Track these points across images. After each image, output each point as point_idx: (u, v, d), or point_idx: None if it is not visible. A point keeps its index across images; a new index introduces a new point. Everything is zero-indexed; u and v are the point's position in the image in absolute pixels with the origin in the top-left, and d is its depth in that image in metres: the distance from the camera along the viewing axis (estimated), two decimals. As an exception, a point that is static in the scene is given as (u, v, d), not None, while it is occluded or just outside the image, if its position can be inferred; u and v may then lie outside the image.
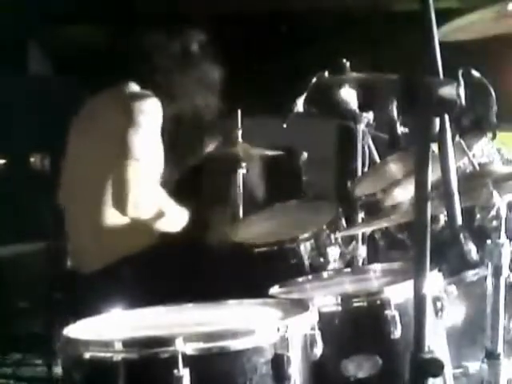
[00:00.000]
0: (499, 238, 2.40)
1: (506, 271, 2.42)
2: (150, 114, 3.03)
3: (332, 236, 3.09)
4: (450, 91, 1.59)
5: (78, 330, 2.07)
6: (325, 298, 2.33)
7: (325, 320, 2.11)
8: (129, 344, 1.89)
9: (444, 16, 2.08)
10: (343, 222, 3.15)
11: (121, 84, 3.17)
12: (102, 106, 3.17)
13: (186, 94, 3.26)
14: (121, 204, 2.88)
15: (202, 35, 3.35)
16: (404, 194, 3.06)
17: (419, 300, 1.62)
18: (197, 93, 3.28)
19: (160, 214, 2.99)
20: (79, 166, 3.16)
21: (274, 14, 5.34)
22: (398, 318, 2.23)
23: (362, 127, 3.78)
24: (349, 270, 2.90)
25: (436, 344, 2.33)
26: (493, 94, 2.75)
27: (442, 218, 2.82)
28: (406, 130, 3.68)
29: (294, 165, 3.70)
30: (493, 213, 2.40)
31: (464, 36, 2.61)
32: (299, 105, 3.76)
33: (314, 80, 3.71)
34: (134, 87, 3.17)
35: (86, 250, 3.10)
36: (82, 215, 3.11)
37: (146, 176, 2.95)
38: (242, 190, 3.82)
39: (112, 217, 3.00)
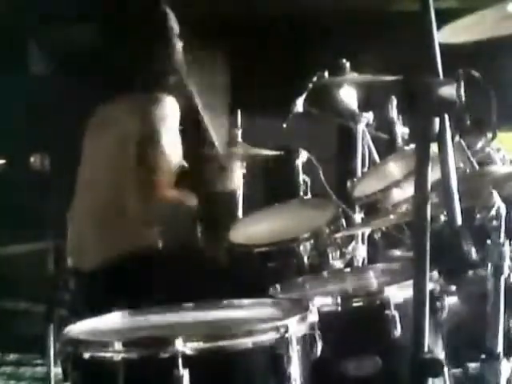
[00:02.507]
0: (499, 237, 2.40)
1: (506, 271, 2.41)
2: (168, 119, 3.04)
3: (332, 236, 3.09)
4: (449, 91, 1.59)
5: (77, 330, 2.07)
6: (325, 298, 2.33)
7: (325, 320, 2.11)
8: (129, 344, 1.89)
9: (444, 16, 2.08)
10: (343, 221, 3.15)
11: (137, 90, 3.16)
12: (118, 113, 3.16)
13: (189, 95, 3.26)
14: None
15: (202, 34, 3.35)
16: (404, 193, 3.06)
17: (419, 300, 1.62)
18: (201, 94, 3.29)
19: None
20: (91, 167, 3.17)
21: (274, 14, 5.34)
22: (397, 318, 2.23)
23: (361, 127, 3.78)
24: (349, 269, 2.91)
25: (436, 344, 2.33)
26: (493, 94, 2.74)
27: (442, 218, 2.82)
28: (406, 129, 3.70)
29: (294, 165, 3.70)
30: (493, 213, 2.40)
31: (464, 38, 2.61)
32: (299, 105, 3.76)
33: (314, 80, 3.72)
34: (153, 93, 3.15)
35: (88, 249, 3.10)
36: (87, 215, 3.11)
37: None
38: (241, 190, 3.81)
39: (115, 217, 3.01)
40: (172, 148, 3.06)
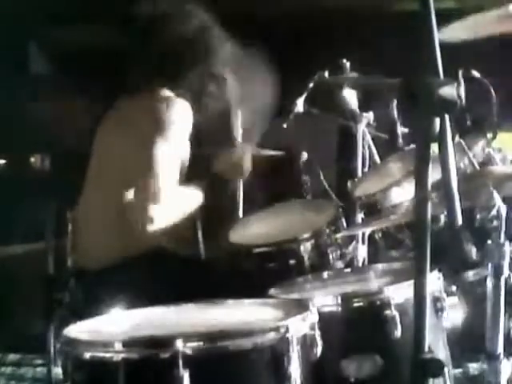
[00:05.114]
0: (499, 238, 2.41)
1: (506, 271, 2.42)
2: (181, 121, 3.02)
3: (332, 236, 3.09)
4: (450, 91, 1.59)
5: (78, 330, 2.07)
6: (325, 298, 2.33)
7: (325, 320, 2.11)
8: (129, 344, 1.89)
9: (444, 16, 2.08)
10: (343, 222, 3.15)
11: (153, 89, 3.14)
12: (131, 111, 3.14)
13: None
14: (139, 222, 2.89)
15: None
16: (404, 194, 3.06)
17: (419, 300, 1.62)
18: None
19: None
20: (104, 164, 3.15)
21: (275, 14, 5.34)
22: (398, 318, 2.23)
23: (362, 127, 3.78)
24: (349, 270, 2.91)
25: (436, 344, 2.33)
26: (493, 94, 2.75)
27: (442, 218, 2.82)
28: (406, 129, 3.70)
29: (294, 165, 3.70)
30: (493, 213, 2.40)
31: (465, 36, 2.61)
32: (299, 105, 3.76)
33: (314, 80, 3.72)
34: (167, 92, 3.14)
35: (96, 248, 3.09)
36: (96, 213, 3.11)
37: (167, 188, 2.94)
38: (241, 191, 3.81)
39: (124, 217, 3.00)
40: (177, 152, 3.02)
